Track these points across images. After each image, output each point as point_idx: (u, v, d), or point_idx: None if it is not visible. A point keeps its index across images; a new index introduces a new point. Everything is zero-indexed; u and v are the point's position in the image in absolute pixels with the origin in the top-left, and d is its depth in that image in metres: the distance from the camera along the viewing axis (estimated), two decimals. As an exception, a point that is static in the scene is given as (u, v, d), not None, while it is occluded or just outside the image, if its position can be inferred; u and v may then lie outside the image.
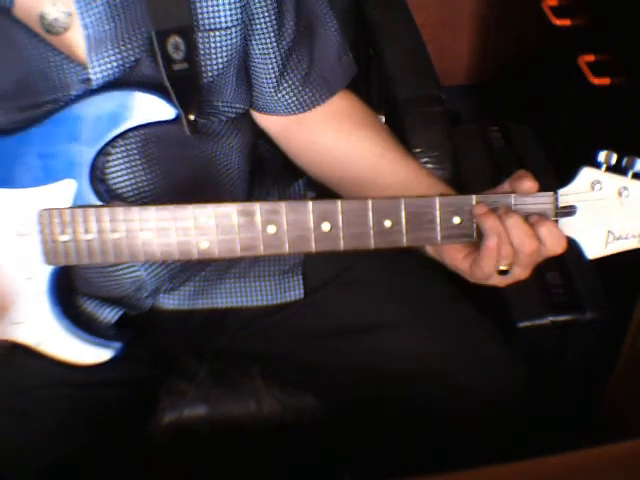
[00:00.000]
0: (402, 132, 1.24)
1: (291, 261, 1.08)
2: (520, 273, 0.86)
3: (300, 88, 1.03)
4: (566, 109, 1.77)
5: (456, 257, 0.89)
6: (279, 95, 1.03)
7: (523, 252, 0.83)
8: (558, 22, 1.69)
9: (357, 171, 1.03)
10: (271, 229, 0.84)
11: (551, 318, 1.43)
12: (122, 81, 0.89)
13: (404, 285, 1.09)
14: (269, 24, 0.98)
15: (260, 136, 1.17)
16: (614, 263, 1.44)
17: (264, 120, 1.08)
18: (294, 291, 1.08)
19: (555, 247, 0.84)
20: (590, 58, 1.57)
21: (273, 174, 1.16)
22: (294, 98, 1.03)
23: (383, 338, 1.04)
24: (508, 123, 1.77)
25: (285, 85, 1.02)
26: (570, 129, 1.76)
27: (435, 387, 1.02)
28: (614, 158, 0.83)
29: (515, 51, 2.15)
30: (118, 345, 0.95)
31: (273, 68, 1.01)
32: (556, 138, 1.78)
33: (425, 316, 1.05)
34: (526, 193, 0.84)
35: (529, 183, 0.84)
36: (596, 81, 1.52)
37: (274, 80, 1.02)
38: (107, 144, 0.88)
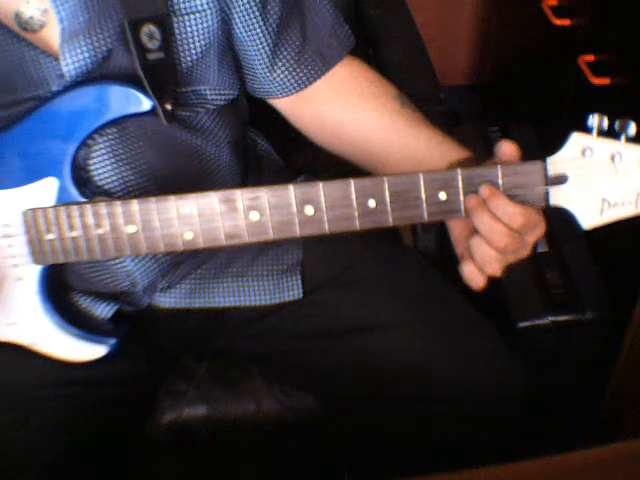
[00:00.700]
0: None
1: (290, 261, 1.08)
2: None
3: (295, 65, 1.01)
4: (566, 109, 1.77)
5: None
6: (274, 75, 1.02)
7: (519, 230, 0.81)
8: (558, 22, 1.69)
9: (368, 147, 1.01)
10: (254, 215, 0.83)
11: (551, 318, 1.43)
12: (97, 75, 0.89)
13: (404, 285, 1.08)
14: (252, 3, 0.96)
15: (257, 134, 1.17)
16: (614, 263, 1.44)
17: (273, 99, 1.07)
18: (293, 291, 1.07)
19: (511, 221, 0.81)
20: (590, 58, 1.57)
21: (271, 173, 1.16)
22: (289, 77, 1.02)
23: (383, 338, 1.04)
24: (508, 123, 1.77)
25: (280, 64, 1.01)
26: (570, 129, 1.75)
27: (435, 387, 1.02)
28: (606, 122, 0.79)
29: (515, 51, 2.15)
30: (113, 341, 0.95)
31: (264, 48, 0.99)
32: (556, 138, 1.77)
33: (425, 316, 1.05)
34: (508, 157, 0.81)
35: (509, 146, 0.81)
36: (596, 81, 1.52)
37: (267, 60, 1.00)
38: (85, 139, 0.88)
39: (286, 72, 1.01)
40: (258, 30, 0.98)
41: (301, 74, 1.02)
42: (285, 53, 1.01)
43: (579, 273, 1.48)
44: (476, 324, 1.07)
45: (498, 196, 0.80)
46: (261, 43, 0.99)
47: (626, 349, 1.35)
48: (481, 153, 0.88)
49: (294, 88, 1.02)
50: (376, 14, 1.45)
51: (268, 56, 1.00)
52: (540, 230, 0.83)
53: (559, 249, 1.51)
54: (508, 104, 2.16)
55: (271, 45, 0.99)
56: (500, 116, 2.01)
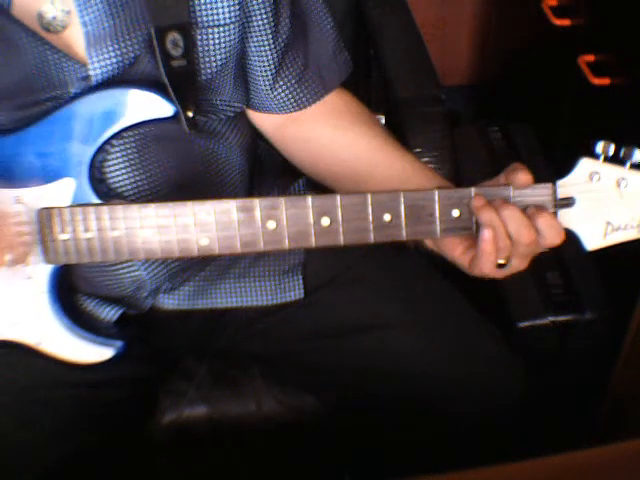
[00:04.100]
0: (402, 132, 1.24)
1: (291, 261, 1.08)
2: (518, 264, 0.86)
3: (296, 85, 1.03)
4: (566, 109, 1.77)
5: (455, 250, 0.89)
6: (275, 93, 1.03)
7: (521, 243, 0.83)
8: (558, 22, 1.69)
9: (354, 167, 1.02)
10: (271, 225, 0.83)
11: (551, 318, 1.43)
12: (121, 79, 0.89)
13: (404, 285, 1.09)
14: (266, 21, 0.97)
15: (259, 136, 1.18)
16: (614, 263, 1.44)
17: (259, 119, 1.08)
18: (294, 291, 1.07)
19: (553, 238, 0.84)
20: (590, 58, 1.57)
21: (273, 174, 1.16)
22: (290, 96, 1.03)
23: (383, 338, 1.04)
24: (508, 123, 1.77)
25: (281, 83, 1.02)
26: (570, 129, 1.76)
27: (435, 387, 1.03)
28: (612, 148, 0.83)
29: (515, 51, 2.15)
30: (119, 344, 0.95)
31: (269, 65, 1.01)
32: (556, 138, 1.78)
33: (425, 316, 1.05)
34: (522, 186, 0.84)
35: (524, 176, 0.83)
36: (596, 81, 1.52)
37: (270, 78, 1.02)
38: (105, 142, 0.88)
39: (287, 91, 1.03)
40: (267, 48, 0.99)
41: (301, 94, 1.03)
42: (287, 73, 1.02)
43: (579, 273, 1.48)
44: (476, 324, 1.07)
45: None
46: (267, 61, 1.00)
47: (626, 349, 1.35)
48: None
49: (293, 107, 1.04)
50: (376, 14, 1.45)
51: (272, 73, 1.01)
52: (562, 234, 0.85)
53: (559, 249, 1.51)
54: (508, 104, 2.16)
55: (276, 63, 1.01)
56: (500, 116, 2.01)
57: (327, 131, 1.05)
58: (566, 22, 1.69)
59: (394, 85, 1.34)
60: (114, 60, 0.88)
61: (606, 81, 1.52)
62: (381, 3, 1.46)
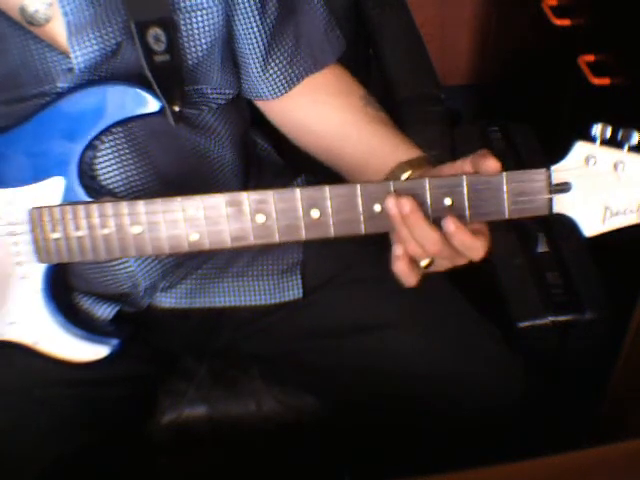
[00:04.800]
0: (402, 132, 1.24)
1: (290, 260, 1.08)
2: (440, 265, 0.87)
3: (287, 66, 1.02)
4: (566, 109, 1.77)
5: None
6: (266, 75, 1.02)
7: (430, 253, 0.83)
8: (558, 22, 1.69)
9: (327, 140, 1.02)
10: (260, 218, 0.83)
11: (551, 318, 1.43)
12: (105, 71, 0.89)
13: (404, 285, 1.08)
14: (252, 1, 0.97)
15: (257, 134, 1.18)
16: (614, 263, 1.44)
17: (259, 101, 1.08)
18: (293, 291, 1.07)
19: (472, 256, 0.83)
20: (590, 58, 1.57)
21: (271, 173, 1.16)
22: (281, 77, 1.03)
23: (383, 338, 1.04)
24: (508, 123, 1.77)
25: (272, 64, 1.02)
26: (570, 129, 1.76)
27: (435, 387, 1.02)
28: (609, 131, 0.80)
29: (515, 51, 2.15)
30: (115, 342, 0.95)
31: (259, 47, 1.00)
32: (556, 138, 1.78)
33: (425, 316, 1.05)
34: (490, 174, 0.81)
35: (493, 163, 0.80)
36: (596, 81, 1.52)
37: (261, 60, 1.01)
38: (93, 140, 0.88)
39: (278, 72, 1.02)
40: (255, 29, 0.99)
41: (292, 74, 1.03)
42: (278, 54, 1.02)
43: (579, 273, 1.48)
44: (476, 324, 1.07)
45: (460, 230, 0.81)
46: (256, 42, 1.00)
47: (626, 349, 1.35)
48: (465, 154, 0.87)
49: (284, 88, 1.03)
50: (376, 14, 1.45)
51: (262, 55, 1.01)
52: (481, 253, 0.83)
53: (559, 249, 1.51)
54: (508, 104, 2.16)
55: (265, 45, 1.00)
56: (500, 116, 2.00)
57: (304, 106, 1.04)
58: (566, 22, 1.69)
59: (394, 85, 1.34)
60: (96, 48, 0.88)
61: (606, 81, 1.52)
62: (381, 3, 1.46)
